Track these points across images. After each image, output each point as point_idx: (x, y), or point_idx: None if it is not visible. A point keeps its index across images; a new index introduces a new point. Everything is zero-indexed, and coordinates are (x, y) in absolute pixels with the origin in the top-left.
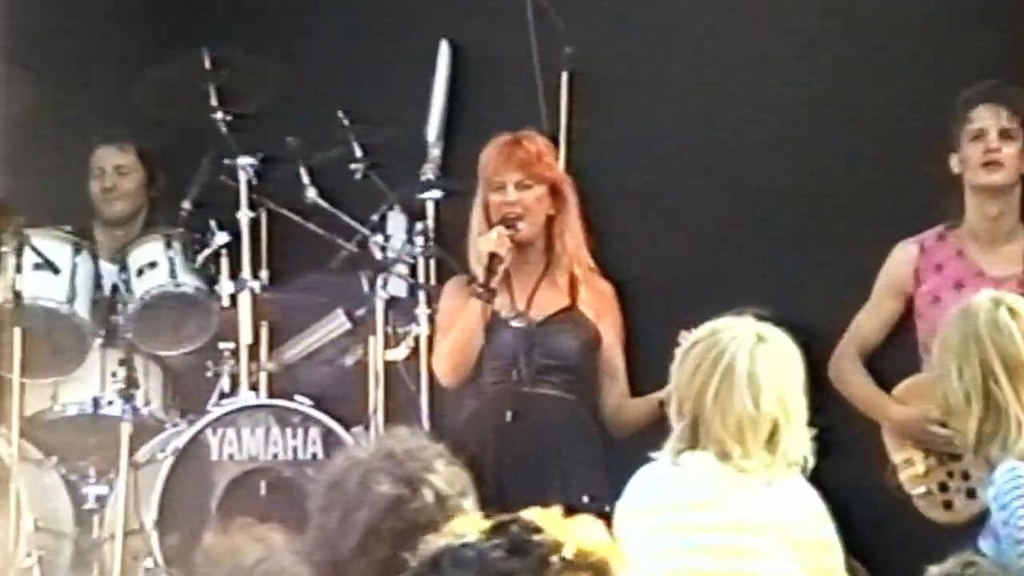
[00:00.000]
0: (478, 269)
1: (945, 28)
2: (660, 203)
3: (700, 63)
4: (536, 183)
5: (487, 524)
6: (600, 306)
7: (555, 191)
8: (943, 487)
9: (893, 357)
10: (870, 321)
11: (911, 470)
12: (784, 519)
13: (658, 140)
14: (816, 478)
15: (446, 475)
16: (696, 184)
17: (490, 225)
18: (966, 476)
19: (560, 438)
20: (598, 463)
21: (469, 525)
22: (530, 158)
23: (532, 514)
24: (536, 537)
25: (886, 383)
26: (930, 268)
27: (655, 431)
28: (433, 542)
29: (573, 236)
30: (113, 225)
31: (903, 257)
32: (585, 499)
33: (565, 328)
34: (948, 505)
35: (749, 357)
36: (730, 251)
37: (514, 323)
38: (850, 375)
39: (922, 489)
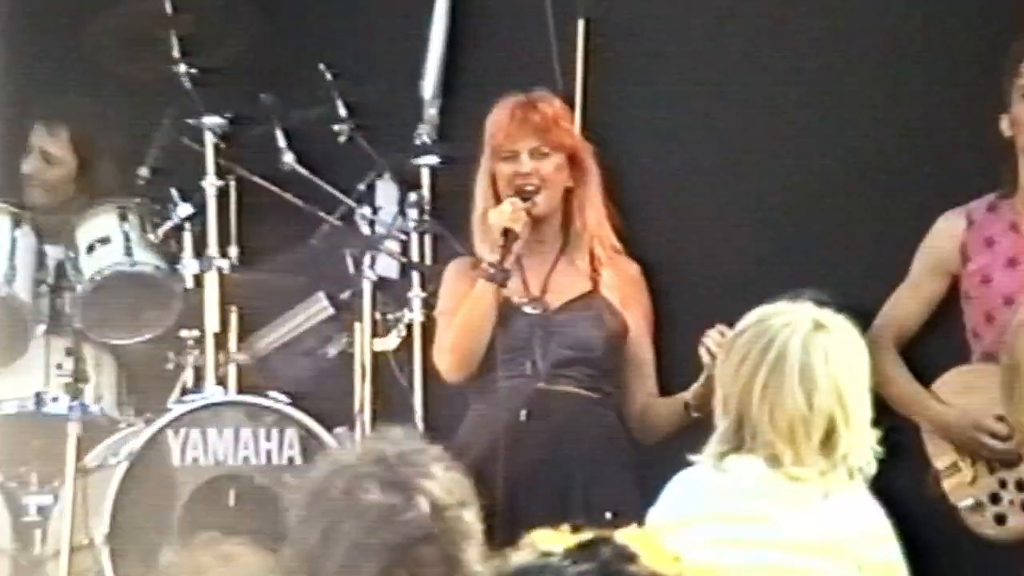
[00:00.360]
0: (483, 249)
1: None
2: (692, 175)
3: (741, 11)
4: (553, 151)
5: (573, 540)
6: (626, 291)
7: (574, 160)
8: (994, 498)
9: (934, 345)
10: (908, 303)
11: (956, 477)
12: (843, 537)
13: (689, 101)
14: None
15: (444, 482)
16: (732, 153)
17: (498, 199)
18: (1022, 486)
19: (582, 443)
20: (625, 473)
21: (553, 540)
22: (546, 122)
23: (627, 535)
24: (631, 568)
25: (925, 376)
26: (979, 243)
27: (693, 436)
28: (511, 557)
29: (595, 211)
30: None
31: (948, 231)
32: (608, 515)
33: (586, 316)
34: (1001, 519)
35: (802, 347)
36: (773, 229)
37: (528, 309)
38: (884, 366)
39: (970, 501)
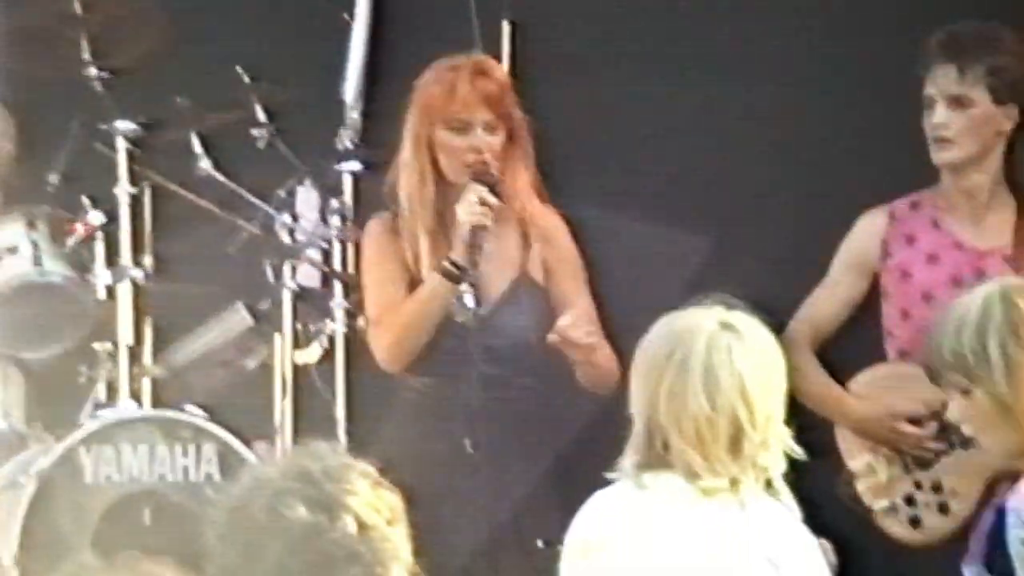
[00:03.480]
0: (415, 223)
1: None
2: (616, 175)
3: (665, 10)
4: (503, 125)
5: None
6: (551, 253)
7: (512, 133)
8: (909, 500)
9: (852, 345)
10: (826, 302)
11: (871, 479)
12: (764, 551)
13: (613, 101)
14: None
15: (371, 500)
16: (656, 153)
17: (437, 171)
18: (937, 488)
19: (519, 474)
20: (557, 499)
21: None
22: (501, 92)
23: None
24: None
25: (842, 376)
26: (900, 239)
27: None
28: None
29: (525, 174)
30: None
31: (869, 228)
32: (540, 544)
33: (519, 310)
34: (916, 522)
35: (706, 348)
36: (692, 223)
37: (466, 300)
38: (801, 365)
39: (885, 503)
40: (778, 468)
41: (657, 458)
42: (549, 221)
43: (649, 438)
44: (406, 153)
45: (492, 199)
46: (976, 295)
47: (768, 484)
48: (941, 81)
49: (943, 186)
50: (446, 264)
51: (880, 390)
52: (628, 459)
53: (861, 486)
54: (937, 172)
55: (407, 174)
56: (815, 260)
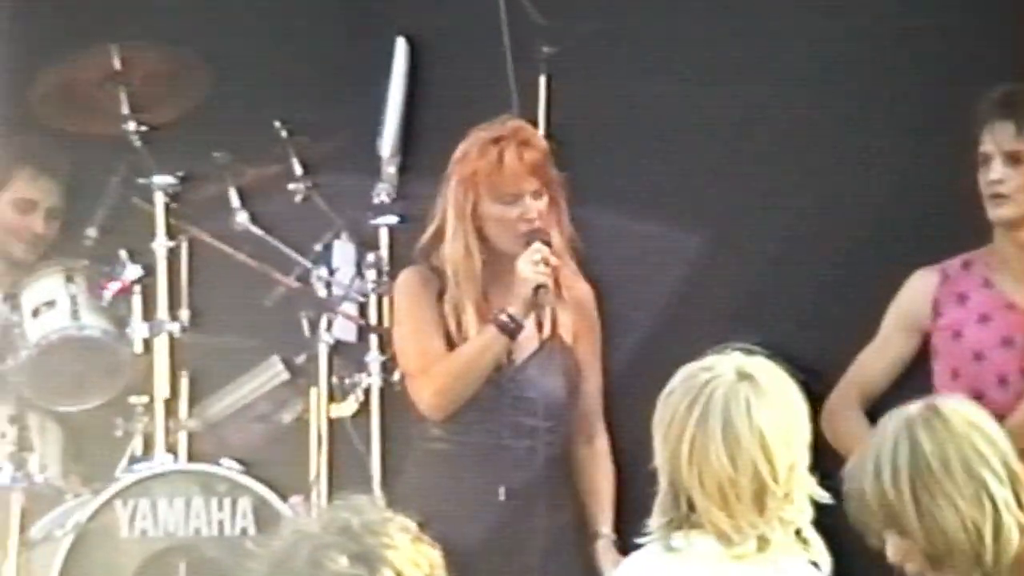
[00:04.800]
0: (463, 292)
1: (971, 24)
2: (655, 228)
3: (707, 61)
4: (547, 190)
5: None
6: (579, 321)
7: (552, 198)
8: None
9: (900, 403)
10: (876, 360)
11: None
12: None
13: (653, 152)
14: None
15: (410, 553)
16: (699, 207)
17: (482, 239)
18: None
19: (545, 526)
20: (580, 558)
21: None
22: (545, 160)
23: None
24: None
25: None
26: (951, 298)
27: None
28: None
29: (561, 237)
30: (10, 263)
31: (921, 287)
32: None
33: (551, 370)
34: None
35: (724, 401)
36: (722, 274)
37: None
38: (846, 425)
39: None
40: (805, 518)
41: (684, 517)
42: (581, 289)
43: (675, 497)
44: (449, 226)
45: (554, 259)
46: (887, 431)
47: (797, 533)
48: (998, 138)
49: (996, 244)
50: (503, 318)
51: None
52: (656, 519)
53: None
54: (989, 231)
55: (452, 247)
56: (867, 318)
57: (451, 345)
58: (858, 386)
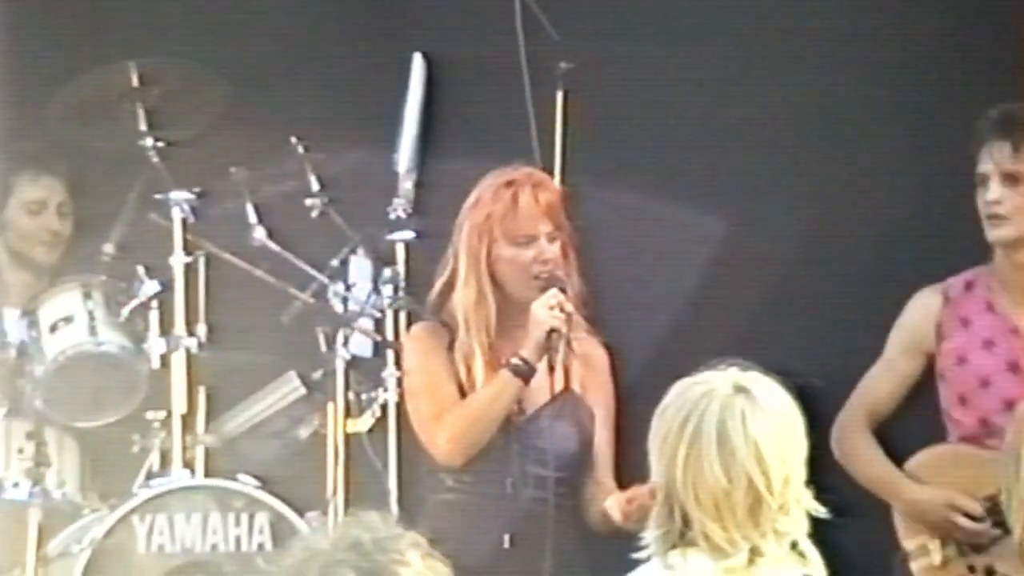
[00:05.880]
0: (474, 336)
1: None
2: (668, 250)
3: (720, 84)
4: (560, 235)
5: None
6: (592, 380)
7: (563, 247)
8: None
9: (909, 424)
10: (883, 382)
11: (925, 560)
12: None
13: (669, 174)
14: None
15: (422, 570)
16: (710, 230)
17: (495, 283)
18: (991, 573)
19: (551, 564)
20: None
21: None
22: (558, 203)
23: None
24: None
25: (899, 456)
26: (955, 322)
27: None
28: None
29: (573, 289)
30: (33, 270)
31: (923, 309)
32: None
33: (562, 423)
34: None
35: (719, 413)
36: (729, 298)
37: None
38: (858, 446)
39: None
40: (801, 531)
41: (680, 532)
42: (593, 348)
43: (670, 510)
44: (461, 272)
45: (569, 306)
46: None
47: (794, 546)
48: (996, 157)
49: (997, 264)
50: (517, 362)
51: (938, 473)
52: (651, 531)
53: (915, 566)
54: (987, 251)
55: (464, 293)
56: (871, 337)
57: (463, 394)
58: (866, 407)
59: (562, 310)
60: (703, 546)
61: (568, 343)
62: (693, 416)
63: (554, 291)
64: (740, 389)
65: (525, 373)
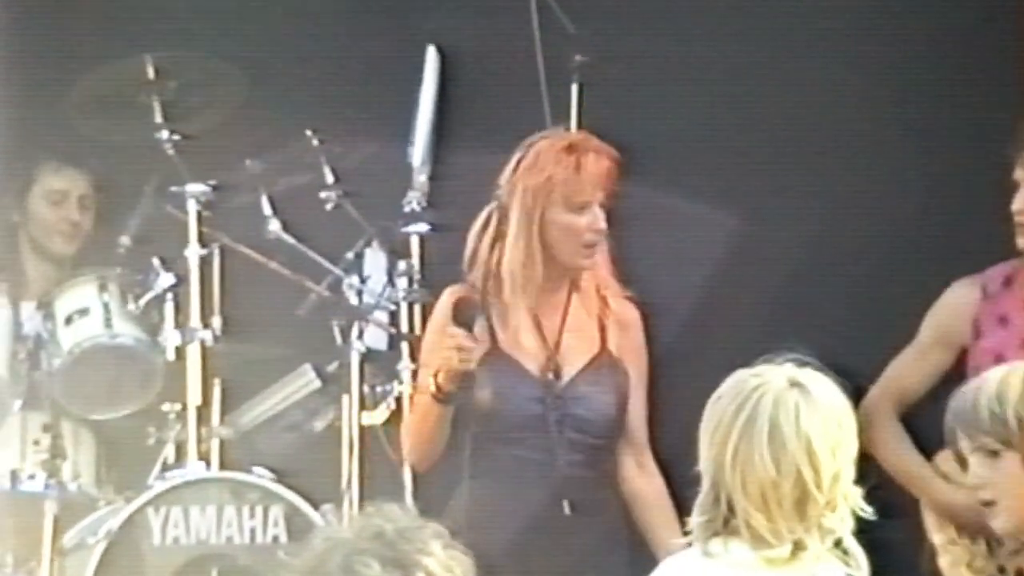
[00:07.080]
0: (522, 297)
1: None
2: (690, 240)
3: (743, 75)
4: (610, 202)
5: None
6: (625, 343)
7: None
8: None
9: (939, 415)
10: (914, 370)
11: (952, 555)
12: None
13: (687, 164)
14: None
15: (444, 560)
16: (735, 217)
17: (545, 248)
18: (1020, 574)
19: (593, 536)
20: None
21: None
22: (614, 170)
23: None
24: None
25: (927, 446)
26: (993, 319)
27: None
28: None
29: (604, 253)
30: (53, 261)
31: (960, 302)
32: None
33: (599, 387)
34: None
35: (773, 407)
36: (764, 286)
37: (539, 378)
38: (885, 435)
39: None
40: (846, 528)
41: (723, 521)
42: (627, 312)
43: (715, 498)
44: (512, 231)
45: (468, 343)
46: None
47: (838, 543)
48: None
49: None
50: (433, 389)
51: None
52: (695, 518)
53: (943, 562)
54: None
55: (513, 253)
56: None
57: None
58: (895, 393)
59: (461, 349)
60: (745, 535)
61: (606, 309)
62: (747, 406)
63: (452, 330)
64: (795, 384)
65: (442, 400)
